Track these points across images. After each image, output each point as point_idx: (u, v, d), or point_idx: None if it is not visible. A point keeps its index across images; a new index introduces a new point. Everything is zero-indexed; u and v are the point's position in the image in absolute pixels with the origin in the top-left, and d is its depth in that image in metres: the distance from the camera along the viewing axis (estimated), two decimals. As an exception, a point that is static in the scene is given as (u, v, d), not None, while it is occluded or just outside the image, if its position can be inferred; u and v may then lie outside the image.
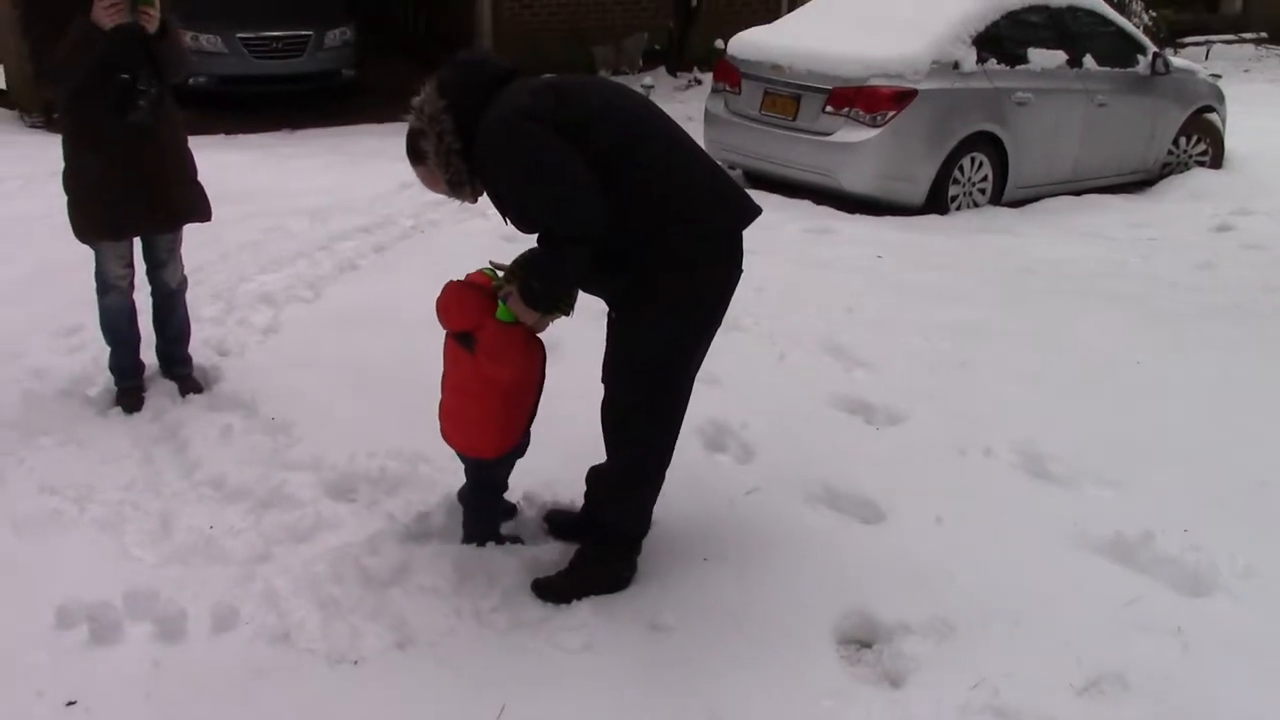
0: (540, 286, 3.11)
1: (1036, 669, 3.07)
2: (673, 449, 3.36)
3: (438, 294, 3.30)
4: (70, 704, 2.87)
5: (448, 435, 3.44)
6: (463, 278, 3.34)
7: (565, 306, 3.25)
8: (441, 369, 3.43)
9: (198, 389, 4.67)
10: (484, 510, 3.56)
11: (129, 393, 4.57)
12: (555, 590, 3.34)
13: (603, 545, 3.42)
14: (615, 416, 3.29)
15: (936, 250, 7.19)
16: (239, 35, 11.69)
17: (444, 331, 3.35)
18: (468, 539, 3.53)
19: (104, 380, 4.65)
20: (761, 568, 3.51)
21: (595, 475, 3.51)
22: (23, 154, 9.19)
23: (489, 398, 3.29)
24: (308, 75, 12.23)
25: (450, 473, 3.92)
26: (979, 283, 6.51)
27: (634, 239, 3.06)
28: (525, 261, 3.20)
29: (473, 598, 3.29)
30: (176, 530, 3.66)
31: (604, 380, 3.30)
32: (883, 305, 5.93)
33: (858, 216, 8.03)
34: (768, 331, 5.36)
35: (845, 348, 5.25)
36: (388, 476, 3.96)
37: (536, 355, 3.33)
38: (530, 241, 3.24)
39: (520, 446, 3.53)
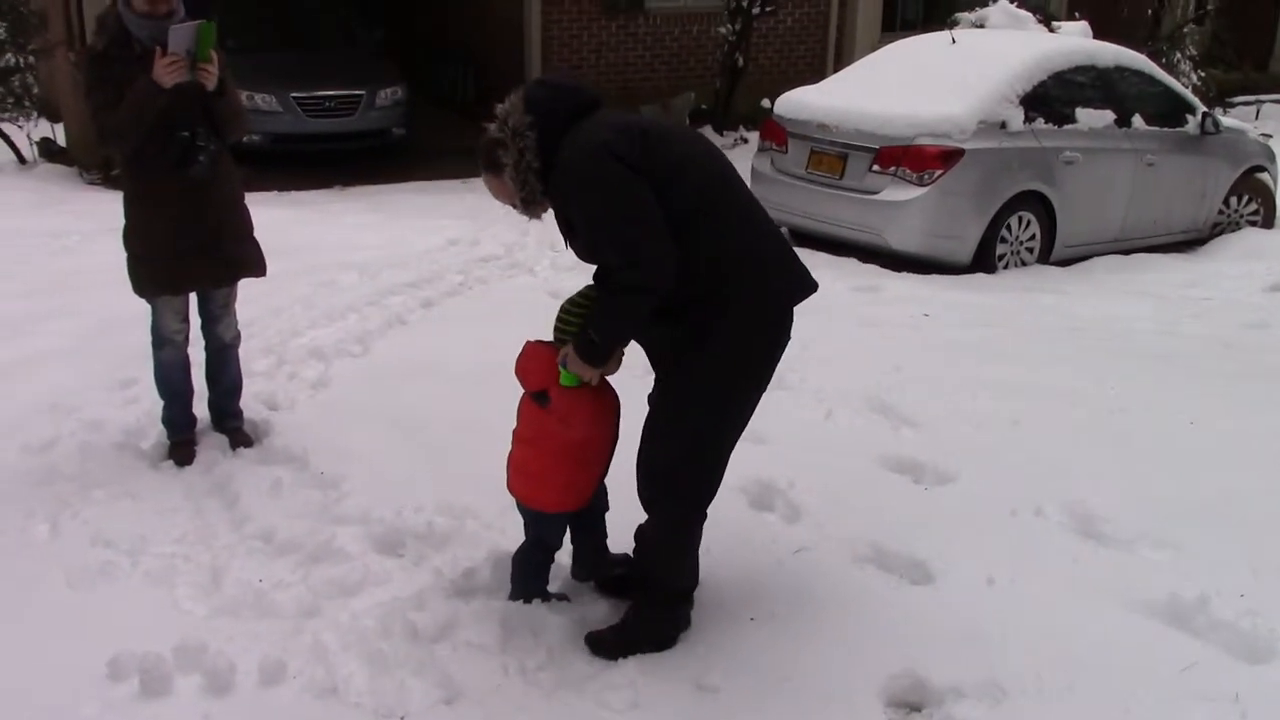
0: (600, 338, 3.10)
1: (1091, 736, 3.02)
2: (711, 501, 3.36)
3: (518, 354, 3.32)
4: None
5: (511, 485, 3.45)
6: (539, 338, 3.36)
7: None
8: (499, 421, 3.45)
9: (248, 443, 4.72)
10: (533, 567, 3.56)
11: (181, 446, 4.63)
12: (607, 646, 3.34)
13: (653, 601, 3.41)
14: (658, 471, 3.29)
15: (984, 308, 7.16)
16: (293, 95, 11.89)
17: (507, 386, 3.37)
18: (514, 596, 3.53)
19: (157, 433, 4.71)
20: (809, 628, 3.48)
21: (642, 533, 3.51)
22: (82, 209, 9.39)
23: (556, 454, 3.30)
24: (359, 134, 12.41)
25: (497, 530, 3.94)
26: (1027, 341, 6.47)
27: (694, 294, 3.07)
28: (579, 314, 3.20)
29: (519, 655, 3.29)
30: (226, 583, 3.69)
31: (644, 437, 3.30)
32: (930, 363, 5.90)
33: (905, 275, 8.02)
34: (814, 390, 5.34)
35: (893, 406, 5.22)
36: (435, 532, 3.97)
37: (608, 414, 3.34)
38: (572, 289, 3.27)
39: (600, 503, 3.56)
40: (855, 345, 6.15)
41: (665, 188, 3.02)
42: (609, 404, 3.34)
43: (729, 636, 3.43)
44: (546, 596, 3.55)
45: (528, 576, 3.54)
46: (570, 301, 3.26)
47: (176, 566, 3.78)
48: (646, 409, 3.30)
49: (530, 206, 3.19)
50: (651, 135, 3.10)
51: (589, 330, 3.11)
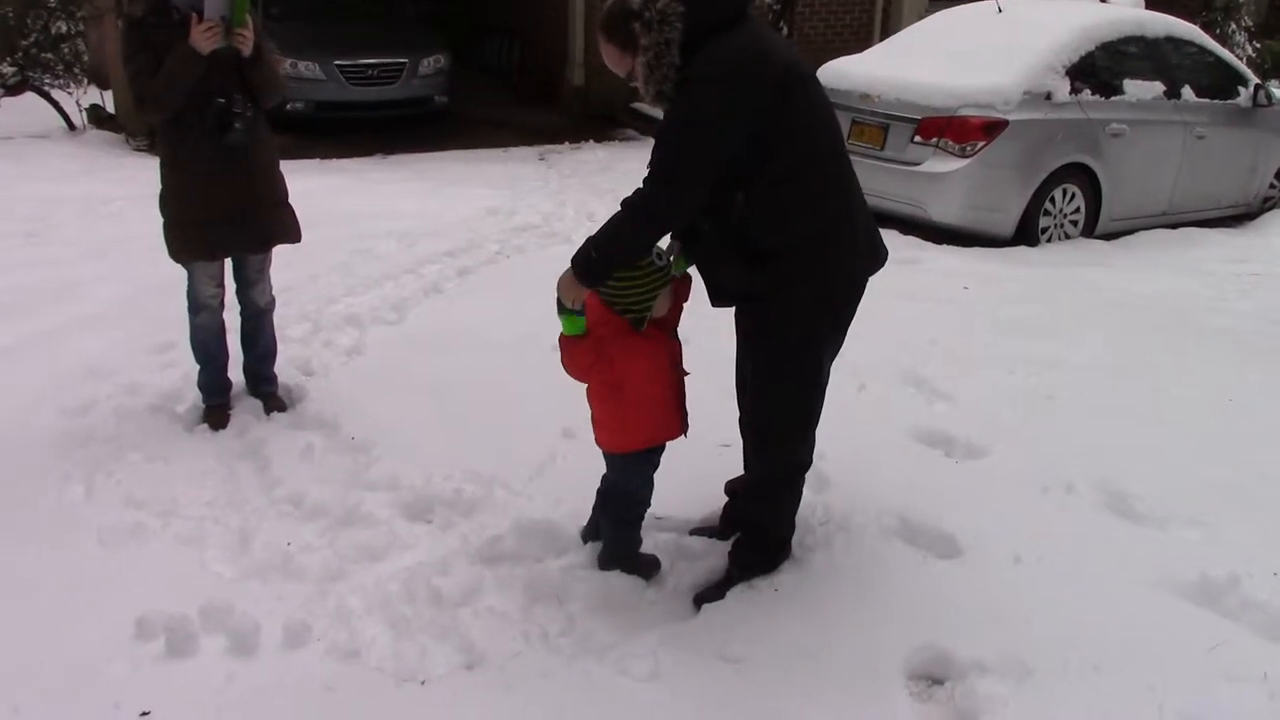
0: (597, 254, 3.09)
1: (1116, 715, 2.98)
2: (812, 454, 3.55)
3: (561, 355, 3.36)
4: (144, 715, 2.93)
5: (597, 439, 3.49)
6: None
7: (678, 265, 3.35)
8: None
9: (282, 407, 4.76)
10: (625, 525, 3.56)
11: (216, 410, 4.67)
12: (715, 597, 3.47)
13: (758, 549, 3.57)
14: (763, 424, 3.44)
15: (1025, 282, 7.06)
16: (336, 63, 11.92)
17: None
18: (607, 560, 3.56)
19: (193, 397, 4.76)
20: (834, 600, 3.46)
21: (741, 485, 3.68)
22: (127, 175, 9.48)
23: (607, 398, 3.35)
24: (402, 102, 12.43)
25: (524, 497, 3.97)
26: (1068, 316, 6.38)
27: (787, 245, 3.12)
28: (629, 280, 3.24)
29: (541, 621, 3.30)
30: (255, 546, 3.72)
31: (744, 394, 3.47)
32: (968, 337, 5.84)
33: (945, 247, 7.92)
34: (849, 362, 5.21)
35: (927, 379, 5.17)
36: (463, 499, 3.98)
37: (650, 352, 3.34)
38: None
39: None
40: (892, 318, 6.06)
41: (793, 133, 3.02)
42: (656, 348, 3.35)
43: (753, 607, 3.42)
44: (642, 558, 3.59)
45: (619, 538, 3.56)
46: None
47: (206, 529, 3.82)
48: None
49: (660, 100, 3.10)
50: (795, 75, 3.02)
51: (590, 246, 3.11)
